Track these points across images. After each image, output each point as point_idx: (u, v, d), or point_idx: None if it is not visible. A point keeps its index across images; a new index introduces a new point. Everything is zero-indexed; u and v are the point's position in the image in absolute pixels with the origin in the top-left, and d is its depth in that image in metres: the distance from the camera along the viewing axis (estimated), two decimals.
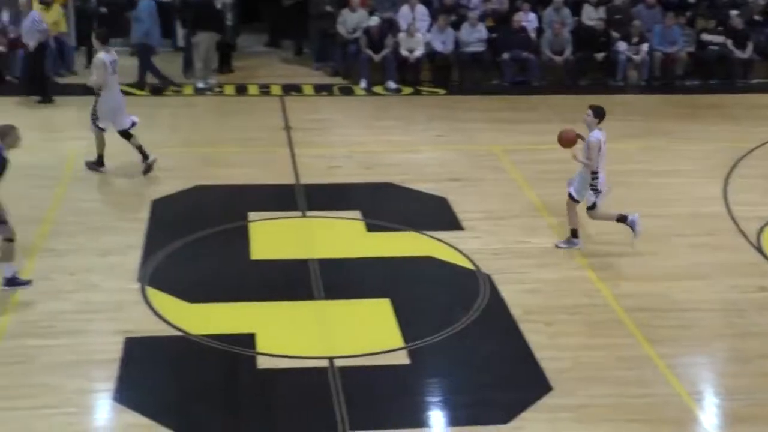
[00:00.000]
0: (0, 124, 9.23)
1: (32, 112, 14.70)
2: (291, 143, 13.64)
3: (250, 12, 19.39)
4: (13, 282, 8.97)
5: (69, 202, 11.09)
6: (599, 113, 9.84)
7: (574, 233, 10.13)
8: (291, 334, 8.42)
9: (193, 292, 9.03)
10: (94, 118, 11.88)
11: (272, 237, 10.42)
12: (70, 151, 12.76)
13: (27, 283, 9.03)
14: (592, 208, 9.97)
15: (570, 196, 10.04)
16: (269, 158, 12.98)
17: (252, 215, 10.88)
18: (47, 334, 8.19)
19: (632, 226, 10.00)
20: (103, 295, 8.93)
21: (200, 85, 16.19)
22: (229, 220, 10.62)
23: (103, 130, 11.91)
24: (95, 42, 12.29)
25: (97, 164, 12.05)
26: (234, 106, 15.65)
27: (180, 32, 17.97)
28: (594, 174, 9.80)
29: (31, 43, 15.13)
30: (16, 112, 14.45)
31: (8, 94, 15.50)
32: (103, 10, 17.72)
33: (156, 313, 8.64)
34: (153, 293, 8.99)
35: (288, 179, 12.17)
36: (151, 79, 16.27)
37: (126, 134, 11.96)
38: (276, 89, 16.60)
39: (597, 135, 9.73)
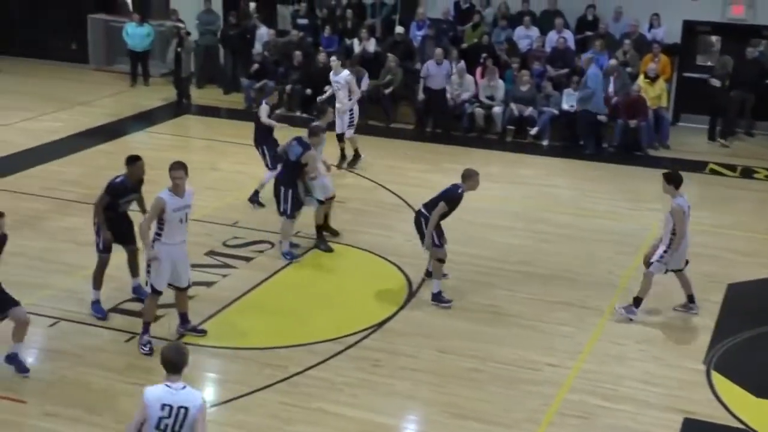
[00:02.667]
0: (467, 168, 9.87)
1: (622, 180, 15.18)
2: None
3: None
4: (438, 297, 9.85)
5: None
6: (671, 179, 9.58)
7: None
8: None
9: (763, 387, 8.62)
10: None
11: None
12: (654, 221, 12.96)
13: (449, 302, 9.81)
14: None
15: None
16: None
17: None
18: (610, 396, 8.40)
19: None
20: (667, 370, 8.92)
21: None
22: None
23: None
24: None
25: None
26: None
27: None
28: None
29: None
30: (607, 178, 15.13)
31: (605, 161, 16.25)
32: None
33: (719, 400, 8.39)
34: (718, 378, 8.76)
35: None
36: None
37: None
38: None
39: (679, 201, 9.52)
